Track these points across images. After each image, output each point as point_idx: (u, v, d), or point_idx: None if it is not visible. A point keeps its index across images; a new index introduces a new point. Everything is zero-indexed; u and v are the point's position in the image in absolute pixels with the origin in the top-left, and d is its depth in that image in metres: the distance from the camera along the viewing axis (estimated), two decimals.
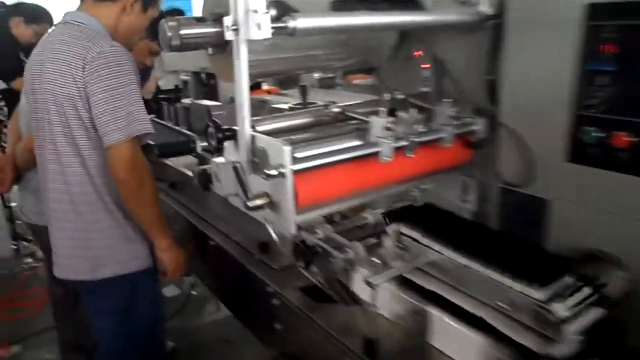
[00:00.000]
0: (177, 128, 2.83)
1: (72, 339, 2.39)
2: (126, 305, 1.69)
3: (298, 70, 1.88)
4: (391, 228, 1.28)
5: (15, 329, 3.15)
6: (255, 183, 1.14)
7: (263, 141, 1.11)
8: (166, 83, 4.20)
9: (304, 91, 2.08)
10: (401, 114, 1.19)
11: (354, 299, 1.38)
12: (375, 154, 1.17)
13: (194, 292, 3.40)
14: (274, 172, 1.04)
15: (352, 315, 1.34)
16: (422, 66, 1.50)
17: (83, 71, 1.42)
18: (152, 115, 3.16)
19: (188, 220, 2.07)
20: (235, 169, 1.11)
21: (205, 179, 1.35)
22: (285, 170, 1.04)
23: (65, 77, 1.45)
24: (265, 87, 4.27)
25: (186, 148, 2.51)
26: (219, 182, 1.25)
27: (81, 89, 1.43)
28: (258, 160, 1.13)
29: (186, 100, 2.76)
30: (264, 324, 1.68)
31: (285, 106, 2.60)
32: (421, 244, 1.22)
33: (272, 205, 1.13)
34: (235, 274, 1.77)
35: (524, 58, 1.26)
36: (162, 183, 2.40)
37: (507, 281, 1.02)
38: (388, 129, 1.14)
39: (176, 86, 2.98)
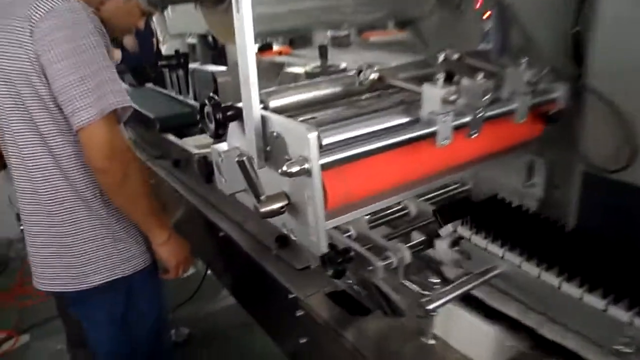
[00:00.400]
0: (181, 98, 2.55)
1: (76, 334, 2.21)
2: (123, 312, 1.45)
3: (316, 25, 1.56)
4: (447, 230, 0.99)
5: (23, 317, 3.00)
6: (269, 178, 0.86)
7: (278, 124, 0.81)
8: (169, 48, 3.88)
9: (323, 52, 1.75)
10: (464, 81, 0.88)
11: (396, 311, 1.11)
12: (429, 135, 0.87)
13: (209, 272, 3.19)
14: (295, 168, 0.75)
15: (396, 333, 1.08)
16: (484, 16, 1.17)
17: (31, 36, 1.12)
18: (149, 84, 2.88)
19: (193, 205, 1.80)
20: (241, 163, 0.82)
21: (207, 168, 1.07)
22: (310, 166, 0.75)
23: (12, 46, 1.15)
24: (276, 47, 3.90)
25: (191, 121, 2.23)
26: (222, 177, 0.97)
27: (33, 59, 1.14)
28: (272, 149, 0.84)
29: (192, 65, 2.45)
30: (284, 334, 1.43)
31: (301, 70, 2.28)
32: (490, 252, 0.93)
33: (293, 209, 0.85)
34: (248, 273, 1.51)
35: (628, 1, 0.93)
36: (164, 161, 2.13)
37: (622, 314, 0.73)
38: (448, 101, 0.83)
39: (177, 51, 2.66)
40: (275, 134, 0.82)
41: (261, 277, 1.40)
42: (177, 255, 1.45)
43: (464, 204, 1.07)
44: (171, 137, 2.10)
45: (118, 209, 1.32)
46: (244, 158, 0.82)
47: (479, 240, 0.94)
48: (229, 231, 1.58)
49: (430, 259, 1.10)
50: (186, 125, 2.20)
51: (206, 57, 4.89)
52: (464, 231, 0.98)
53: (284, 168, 0.75)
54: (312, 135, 0.74)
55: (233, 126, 0.93)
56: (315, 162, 0.75)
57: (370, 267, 1.04)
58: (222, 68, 2.39)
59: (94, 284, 1.36)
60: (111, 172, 1.19)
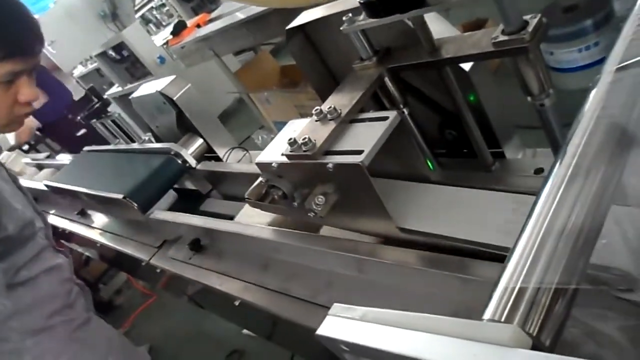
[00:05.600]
0: (136, 146, 1.81)
1: None
2: None
3: None
4: None
5: None
6: None
7: None
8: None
9: None
10: None
11: None
12: None
13: None
14: None
15: None
16: None
17: None
18: (88, 148, 2.09)
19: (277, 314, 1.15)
20: None
21: None
22: None
23: None
24: (191, 21, 3.07)
25: (177, 170, 1.53)
26: None
27: None
28: None
29: (135, 94, 1.66)
30: None
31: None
32: None
33: None
34: None
35: None
36: (174, 245, 1.44)
37: None
38: None
39: (91, 90, 1.89)
40: None
41: None
42: None
43: None
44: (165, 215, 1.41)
45: None
46: None
47: None
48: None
49: None
50: (174, 180, 1.51)
51: (120, 73, 3.97)
52: None
53: None
54: None
55: None
56: None
57: None
58: (161, 81, 1.64)
59: None
60: None
